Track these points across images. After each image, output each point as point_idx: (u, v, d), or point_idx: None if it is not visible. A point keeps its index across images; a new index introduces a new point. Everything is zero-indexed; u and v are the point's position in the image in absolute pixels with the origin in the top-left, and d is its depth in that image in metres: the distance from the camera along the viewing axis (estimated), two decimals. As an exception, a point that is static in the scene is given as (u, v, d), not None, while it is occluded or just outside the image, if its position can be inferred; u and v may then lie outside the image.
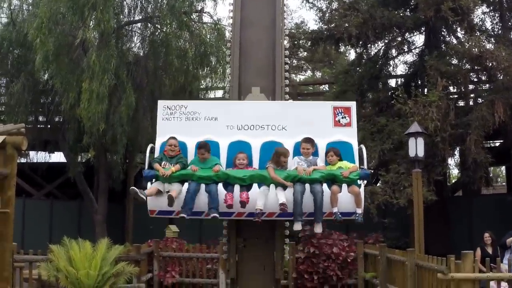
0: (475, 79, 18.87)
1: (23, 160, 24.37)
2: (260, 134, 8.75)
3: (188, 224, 19.64)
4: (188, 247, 13.04)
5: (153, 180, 8.31)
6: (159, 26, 19.62)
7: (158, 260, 12.61)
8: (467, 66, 17.78)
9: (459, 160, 20.82)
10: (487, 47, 17.05)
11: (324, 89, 26.54)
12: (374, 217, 15.65)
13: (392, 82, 20.76)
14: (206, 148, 8.34)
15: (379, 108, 18.18)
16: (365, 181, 8.52)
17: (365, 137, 16.31)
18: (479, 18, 19.88)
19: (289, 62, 10.26)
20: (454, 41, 18.92)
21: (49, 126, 21.54)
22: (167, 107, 8.97)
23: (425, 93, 16.44)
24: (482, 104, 16.70)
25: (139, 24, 20.56)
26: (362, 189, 8.19)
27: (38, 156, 25.79)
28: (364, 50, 19.83)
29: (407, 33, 19.27)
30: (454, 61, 17.82)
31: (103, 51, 16.83)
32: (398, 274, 10.82)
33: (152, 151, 8.71)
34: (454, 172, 26.55)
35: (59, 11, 17.21)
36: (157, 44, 19.43)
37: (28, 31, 17.75)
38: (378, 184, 17.94)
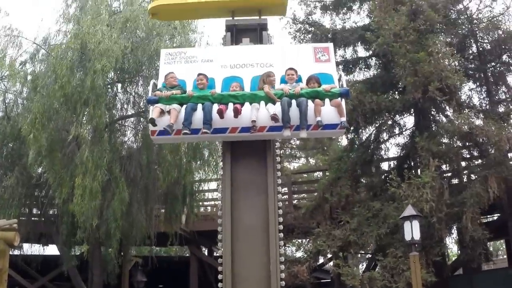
0: (467, 156, 18.86)
1: (16, 253, 24.08)
2: (250, 71, 9.90)
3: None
4: None
5: (155, 104, 9.27)
6: (151, 121, 19.76)
7: None
8: (458, 143, 17.81)
9: (457, 238, 20.61)
10: (477, 123, 17.05)
11: (318, 176, 26.29)
12: (374, 305, 15.33)
13: (385, 166, 20.65)
14: (205, 75, 9.58)
15: (374, 193, 18.06)
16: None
17: (360, 223, 16.19)
18: (466, 95, 19.99)
19: (280, 152, 10.36)
20: (444, 119, 18.92)
21: (43, 219, 21.33)
22: (169, 53, 10.32)
23: (419, 174, 16.41)
24: (476, 180, 16.59)
25: (132, 119, 20.77)
26: (343, 102, 9.19)
27: (32, 249, 25.52)
28: (356, 136, 19.79)
29: (397, 115, 19.34)
30: (445, 140, 17.81)
31: (96, 146, 16.99)
32: None
33: (154, 88, 9.70)
34: (454, 249, 26.20)
35: (53, 107, 17.46)
36: (150, 139, 19.44)
37: (22, 125, 17.91)
38: (376, 270, 17.63)
